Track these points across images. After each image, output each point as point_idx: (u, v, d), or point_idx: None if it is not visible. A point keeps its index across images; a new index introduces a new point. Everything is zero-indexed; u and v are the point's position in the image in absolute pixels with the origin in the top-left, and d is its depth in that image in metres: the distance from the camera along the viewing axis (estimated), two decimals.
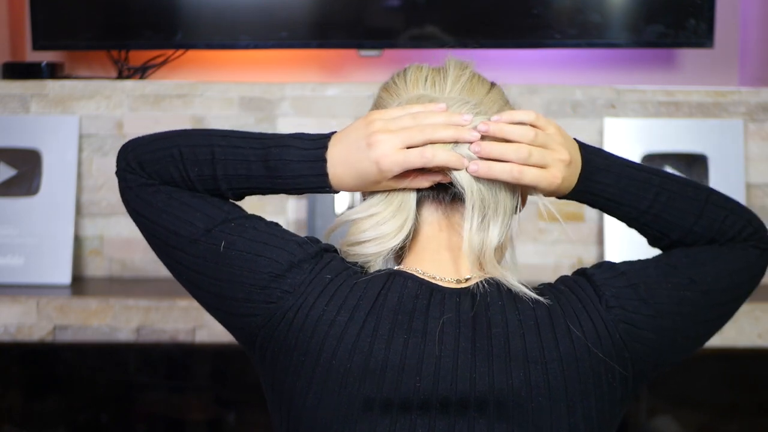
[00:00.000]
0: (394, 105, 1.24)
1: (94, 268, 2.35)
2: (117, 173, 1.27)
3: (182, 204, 1.22)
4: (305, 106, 2.34)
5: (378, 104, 1.28)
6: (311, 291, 1.18)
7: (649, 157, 2.30)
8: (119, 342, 2.11)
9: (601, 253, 2.29)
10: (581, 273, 1.23)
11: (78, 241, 2.34)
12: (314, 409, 1.16)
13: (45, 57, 2.50)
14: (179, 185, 1.23)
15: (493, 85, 1.30)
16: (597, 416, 1.18)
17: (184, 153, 1.23)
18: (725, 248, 1.26)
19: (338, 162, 1.20)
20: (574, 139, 1.24)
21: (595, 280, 1.20)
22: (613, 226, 2.28)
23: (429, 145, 1.18)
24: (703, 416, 2.31)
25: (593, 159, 1.23)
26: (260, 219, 1.24)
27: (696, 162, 2.30)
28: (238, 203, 1.25)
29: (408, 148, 1.18)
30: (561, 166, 1.20)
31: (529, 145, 1.18)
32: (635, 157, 2.29)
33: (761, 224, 1.30)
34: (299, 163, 1.21)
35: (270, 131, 2.31)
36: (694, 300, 1.22)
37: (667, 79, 2.56)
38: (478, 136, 1.18)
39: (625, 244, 2.27)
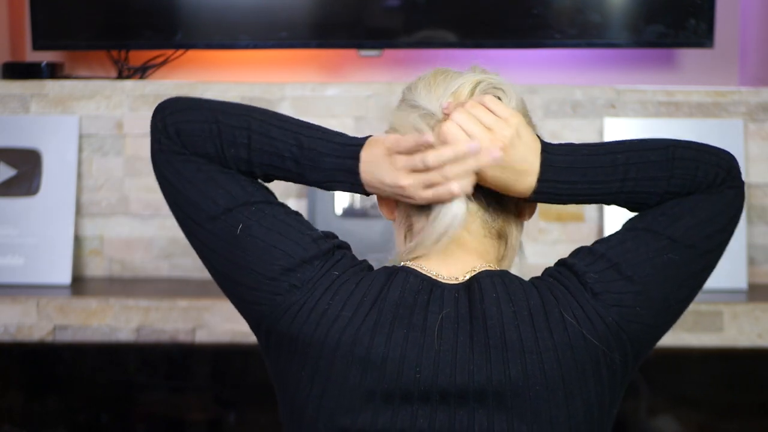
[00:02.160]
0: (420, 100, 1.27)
1: (94, 268, 2.35)
2: (152, 132, 1.28)
3: (209, 178, 1.24)
4: (305, 106, 2.34)
5: (400, 103, 1.30)
6: (318, 287, 1.20)
7: None
8: (119, 342, 2.11)
9: None
10: (562, 264, 1.26)
11: (78, 241, 2.34)
12: (318, 398, 1.18)
13: (45, 57, 2.50)
14: (212, 160, 1.25)
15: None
16: (597, 401, 1.19)
17: (223, 131, 1.25)
18: (702, 195, 1.25)
19: (370, 179, 1.25)
20: (540, 139, 1.25)
21: (577, 269, 1.22)
22: (613, 226, 2.28)
23: (455, 183, 1.22)
24: (703, 416, 2.31)
25: (555, 160, 1.24)
26: (282, 206, 1.26)
27: None
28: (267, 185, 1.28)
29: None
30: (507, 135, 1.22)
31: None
32: None
33: (730, 163, 1.28)
34: (332, 171, 1.25)
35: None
36: (678, 259, 1.22)
37: (667, 79, 2.56)
38: (430, 140, 1.22)
39: None
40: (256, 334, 1.26)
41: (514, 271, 1.29)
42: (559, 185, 1.24)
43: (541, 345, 1.17)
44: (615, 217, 2.27)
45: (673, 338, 2.06)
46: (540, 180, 1.23)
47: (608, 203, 1.28)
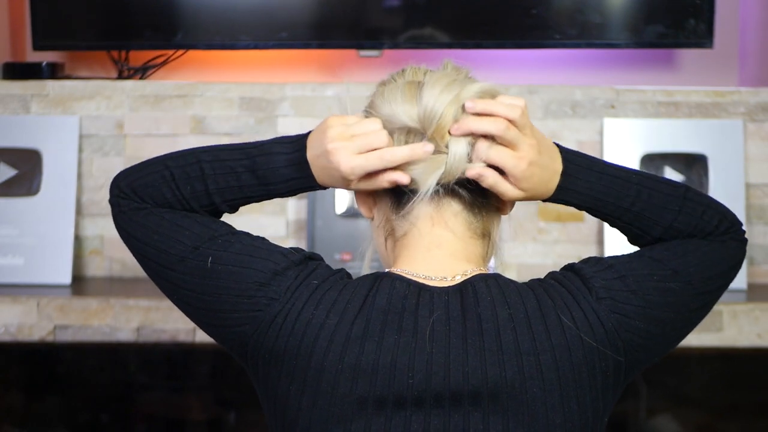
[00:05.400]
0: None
1: (95, 268, 2.35)
2: (110, 201, 1.31)
3: (172, 224, 1.26)
4: (305, 106, 2.34)
5: (373, 101, 1.33)
6: (298, 296, 1.20)
7: (648, 158, 2.30)
8: (119, 342, 2.11)
9: (601, 253, 2.29)
10: (569, 268, 1.26)
11: (78, 241, 2.34)
12: (309, 410, 1.18)
13: (45, 57, 2.50)
14: (173, 205, 1.27)
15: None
16: (591, 404, 1.19)
17: (175, 173, 1.27)
18: (705, 241, 1.29)
19: (315, 166, 1.25)
20: (554, 142, 1.27)
21: (584, 273, 1.23)
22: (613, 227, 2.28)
23: (386, 149, 1.22)
24: (702, 416, 2.31)
25: (575, 158, 1.26)
26: (247, 234, 1.27)
27: (696, 162, 2.30)
28: (227, 220, 1.30)
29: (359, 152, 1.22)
30: (531, 151, 1.22)
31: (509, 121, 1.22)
32: (635, 157, 2.30)
33: (735, 218, 1.33)
34: (287, 168, 1.26)
35: (270, 131, 2.33)
36: (678, 290, 1.24)
37: (666, 79, 2.56)
38: (431, 151, 1.21)
39: (625, 244, 2.27)
40: (243, 363, 1.26)
41: (492, 266, 1.30)
42: (579, 183, 1.26)
43: (539, 346, 1.17)
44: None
45: None
46: (563, 174, 1.25)
47: (614, 220, 1.30)
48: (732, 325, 2.09)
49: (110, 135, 2.35)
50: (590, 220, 2.33)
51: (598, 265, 1.25)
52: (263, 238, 1.27)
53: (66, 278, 2.26)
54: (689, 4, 2.36)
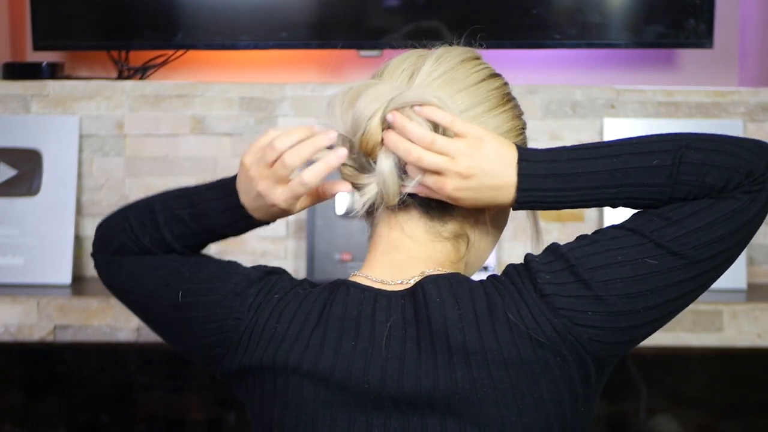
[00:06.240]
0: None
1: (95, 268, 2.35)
2: (91, 254, 1.42)
3: (143, 266, 1.33)
4: (305, 106, 2.34)
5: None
6: (261, 312, 1.23)
7: None
8: (119, 342, 2.11)
9: None
10: (524, 260, 1.21)
11: (78, 241, 2.34)
12: (281, 417, 1.21)
13: (45, 57, 2.50)
14: (138, 254, 1.34)
15: (486, 78, 1.28)
16: (551, 400, 1.16)
17: (133, 224, 1.34)
18: (711, 200, 1.15)
19: (255, 208, 1.29)
20: (518, 147, 1.20)
21: (532, 267, 1.18)
22: None
23: (304, 171, 1.23)
24: (702, 416, 2.31)
25: (536, 167, 1.18)
26: (209, 260, 1.33)
27: None
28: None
29: (283, 182, 1.24)
30: (454, 178, 1.18)
31: (424, 149, 1.18)
32: None
33: (753, 165, 1.16)
34: (223, 214, 1.30)
35: (270, 131, 2.33)
36: (658, 264, 1.14)
37: (666, 80, 2.56)
38: (334, 138, 1.23)
39: None
40: (224, 380, 1.30)
41: (493, 266, 1.29)
42: (543, 194, 1.18)
43: (486, 346, 1.15)
44: (615, 218, 2.27)
45: (672, 338, 2.07)
46: (520, 190, 1.18)
47: (613, 207, 1.21)
48: (732, 325, 2.09)
49: (110, 135, 2.35)
50: (590, 221, 2.33)
51: (551, 255, 1.18)
52: (228, 262, 1.31)
53: (66, 278, 2.26)
54: (689, 4, 2.36)
